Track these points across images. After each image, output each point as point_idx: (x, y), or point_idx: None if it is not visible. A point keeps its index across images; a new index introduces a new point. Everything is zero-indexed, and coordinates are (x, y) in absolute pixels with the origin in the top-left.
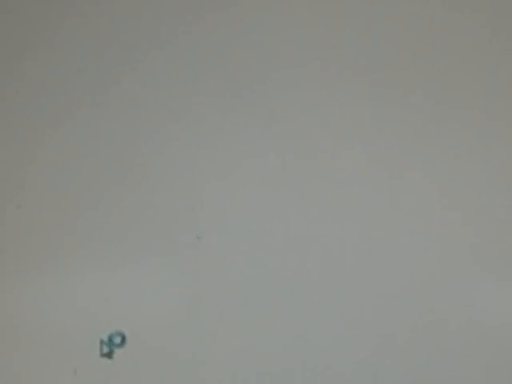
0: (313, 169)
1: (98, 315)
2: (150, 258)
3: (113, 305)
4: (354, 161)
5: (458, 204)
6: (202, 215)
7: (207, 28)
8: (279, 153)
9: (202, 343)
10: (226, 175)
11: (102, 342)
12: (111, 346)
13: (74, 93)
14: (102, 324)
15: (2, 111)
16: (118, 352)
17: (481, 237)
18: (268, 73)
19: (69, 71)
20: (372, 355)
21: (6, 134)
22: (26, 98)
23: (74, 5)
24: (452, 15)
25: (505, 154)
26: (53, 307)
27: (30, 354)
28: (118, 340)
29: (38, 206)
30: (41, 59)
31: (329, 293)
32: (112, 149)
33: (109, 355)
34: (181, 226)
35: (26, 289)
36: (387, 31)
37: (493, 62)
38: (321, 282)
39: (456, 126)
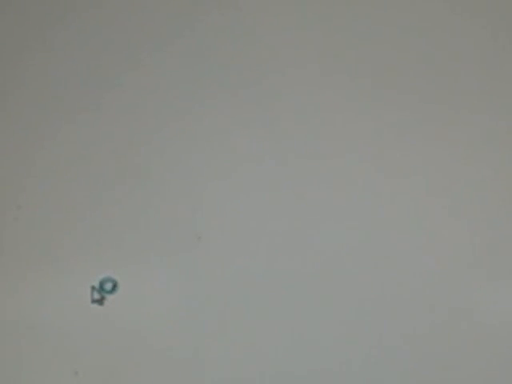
0: (313, 170)
1: (98, 315)
2: (150, 258)
3: (113, 305)
4: (355, 163)
5: (459, 205)
6: (201, 215)
7: (207, 29)
8: (279, 153)
9: (201, 343)
10: (226, 175)
11: (93, 288)
12: (102, 292)
13: (73, 93)
14: (102, 324)
15: (2, 112)
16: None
17: (481, 237)
18: (268, 74)
19: (69, 71)
20: (372, 355)
21: (6, 135)
22: (26, 98)
23: (73, 5)
24: (454, 16)
25: (505, 156)
26: (53, 308)
27: (30, 354)
28: (109, 287)
29: (38, 207)
30: (40, 60)
31: (329, 293)
32: (112, 149)
33: (100, 302)
34: (181, 226)
35: (26, 289)
36: (388, 33)
37: (495, 64)
38: (321, 283)
39: (457, 128)
